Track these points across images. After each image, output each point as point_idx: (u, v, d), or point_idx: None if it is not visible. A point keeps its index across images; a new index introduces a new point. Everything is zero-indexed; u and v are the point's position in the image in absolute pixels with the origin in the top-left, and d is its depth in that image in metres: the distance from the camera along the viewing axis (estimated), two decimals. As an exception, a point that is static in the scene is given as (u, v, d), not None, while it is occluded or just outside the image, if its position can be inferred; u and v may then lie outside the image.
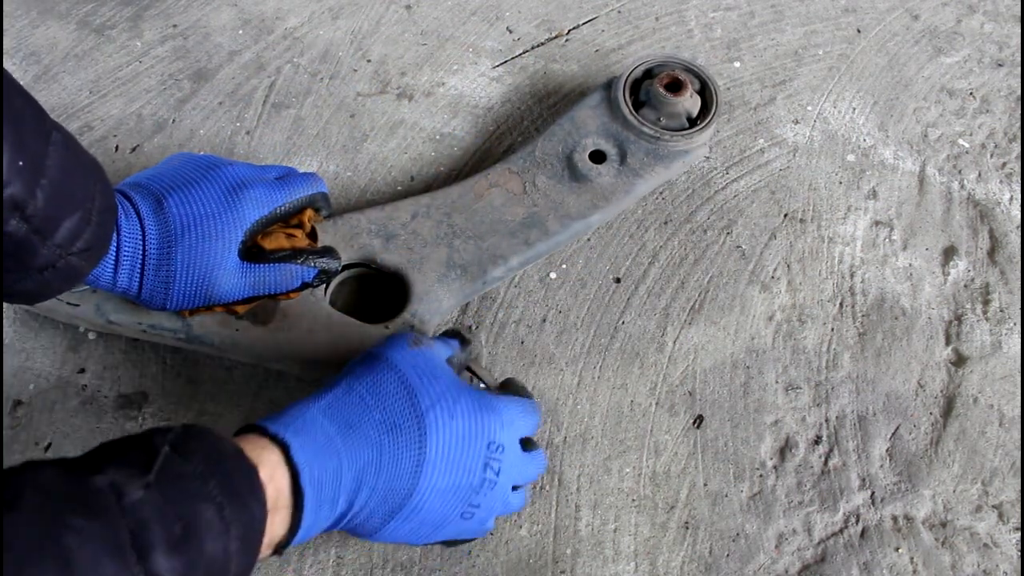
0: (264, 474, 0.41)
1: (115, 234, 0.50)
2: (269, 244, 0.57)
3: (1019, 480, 0.65)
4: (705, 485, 0.63)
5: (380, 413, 0.47)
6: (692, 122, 0.73)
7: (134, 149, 0.75)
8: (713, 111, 0.72)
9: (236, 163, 0.58)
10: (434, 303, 0.63)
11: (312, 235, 0.61)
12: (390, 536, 0.48)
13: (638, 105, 0.73)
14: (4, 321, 0.65)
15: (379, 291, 0.68)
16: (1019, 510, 0.64)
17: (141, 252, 0.52)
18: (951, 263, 0.75)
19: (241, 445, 0.41)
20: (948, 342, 0.71)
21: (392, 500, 0.47)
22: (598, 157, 0.72)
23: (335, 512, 0.45)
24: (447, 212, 0.67)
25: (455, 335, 0.58)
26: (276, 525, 0.41)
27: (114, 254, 0.51)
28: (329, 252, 0.59)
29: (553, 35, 0.87)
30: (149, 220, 0.52)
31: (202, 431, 0.40)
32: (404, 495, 0.47)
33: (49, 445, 0.61)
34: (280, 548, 0.43)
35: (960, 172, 0.80)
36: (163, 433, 0.38)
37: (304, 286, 0.58)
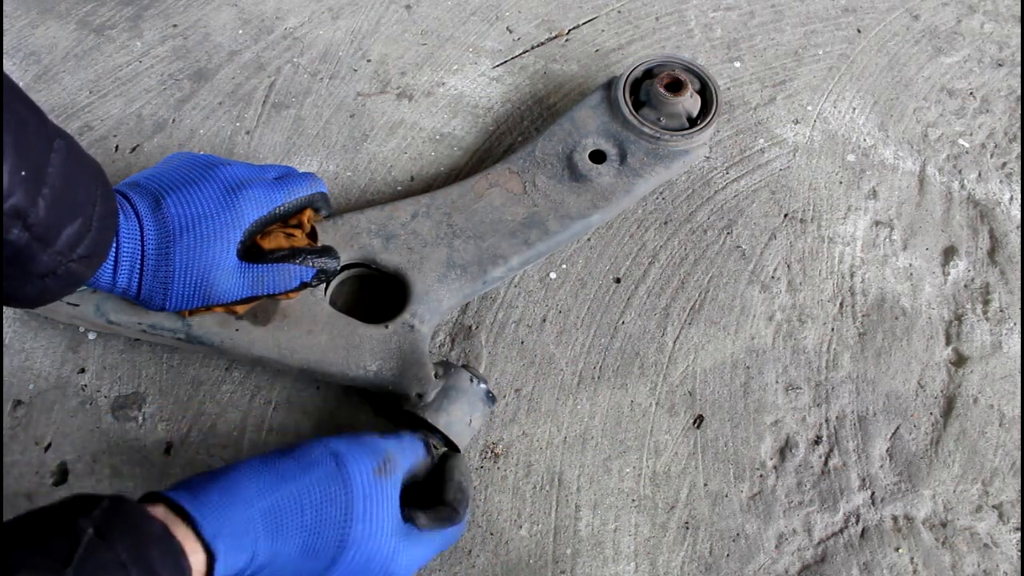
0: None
1: (114, 235, 0.50)
2: (268, 244, 0.57)
3: (1019, 480, 0.65)
4: (705, 485, 0.63)
5: (309, 535, 0.46)
6: (692, 122, 0.73)
7: (134, 149, 0.75)
8: (713, 111, 0.72)
9: (235, 163, 0.58)
10: (434, 303, 0.63)
11: (312, 235, 0.61)
12: None
13: (638, 105, 0.73)
14: (4, 321, 0.65)
15: (379, 291, 0.68)
16: (1019, 510, 0.64)
17: (140, 252, 0.52)
18: (951, 263, 0.75)
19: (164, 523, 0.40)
20: (948, 342, 0.71)
21: None
22: (598, 157, 0.72)
23: None
24: (447, 212, 0.67)
25: (430, 443, 0.57)
26: None
27: (113, 254, 0.50)
28: (328, 252, 0.59)
29: (553, 35, 0.87)
30: (147, 220, 0.52)
31: (129, 508, 0.38)
32: None
33: (49, 445, 0.61)
34: None
35: (960, 172, 0.80)
36: (87, 511, 0.36)
37: (303, 286, 0.58)
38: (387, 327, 0.61)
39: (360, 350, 0.60)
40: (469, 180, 0.69)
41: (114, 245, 0.50)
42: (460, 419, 0.58)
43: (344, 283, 0.68)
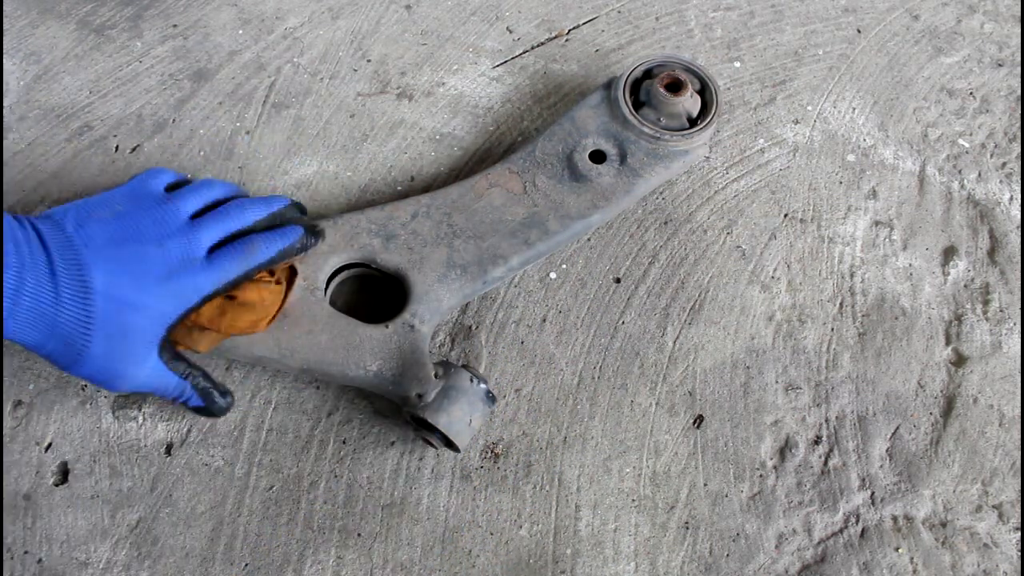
0: None
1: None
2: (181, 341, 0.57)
3: (1019, 480, 0.65)
4: (705, 485, 0.63)
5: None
6: (692, 122, 0.73)
7: (134, 149, 0.75)
8: (713, 111, 0.72)
9: (173, 237, 0.53)
10: (434, 303, 0.63)
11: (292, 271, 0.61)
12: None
13: (638, 105, 0.73)
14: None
15: (379, 291, 0.68)
16: (1019, 510, 0.64)
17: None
18: (951, 263, 0.75)
19: None
20: (948, 342, 0.71)
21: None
22: (598, 157, 0.72)
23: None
24: (447, 212, 0.67)
25: None
26: None
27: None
28: (211, 393, 0.58)
29: (553, 35, 0.87)
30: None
31: None
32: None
33: (49, 445, 0.61)
34: None
35: (960, 172, 0.80)
36: None
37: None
38: (387, 327, 0.61)
39: (360, 350, 0.60)
40: (469, 180, 0.69)
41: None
42: (460, 419, 0.58)
43: (344, 283, 0.68)
